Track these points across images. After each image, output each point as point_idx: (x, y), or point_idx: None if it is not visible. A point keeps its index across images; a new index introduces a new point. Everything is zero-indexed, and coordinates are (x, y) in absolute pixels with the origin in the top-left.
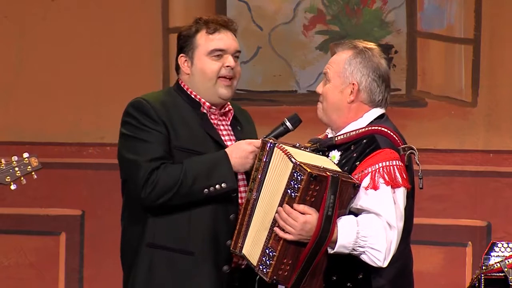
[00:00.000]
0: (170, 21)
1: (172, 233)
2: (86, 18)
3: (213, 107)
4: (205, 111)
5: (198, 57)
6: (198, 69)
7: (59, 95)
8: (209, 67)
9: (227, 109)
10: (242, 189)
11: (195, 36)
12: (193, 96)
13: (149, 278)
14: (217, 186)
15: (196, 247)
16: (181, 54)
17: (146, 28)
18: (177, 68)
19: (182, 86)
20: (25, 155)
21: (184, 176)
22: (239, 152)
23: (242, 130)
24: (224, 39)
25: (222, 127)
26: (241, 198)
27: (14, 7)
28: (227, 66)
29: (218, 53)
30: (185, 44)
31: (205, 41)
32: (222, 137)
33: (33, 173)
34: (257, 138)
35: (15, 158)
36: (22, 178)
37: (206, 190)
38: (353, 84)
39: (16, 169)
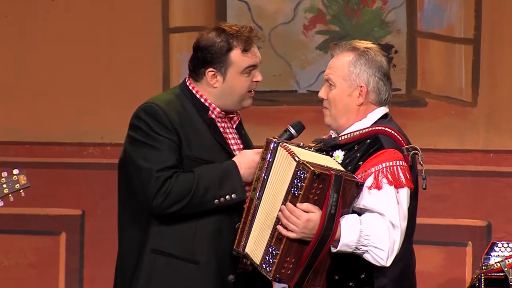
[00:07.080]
0: (170, 21)
1: (177, 240)
2: (86, 18)
3: (222, 113)
4: (213, 116)
5: (232, 74)
6: (229, 86)
7: (59, 95)
8: (242, 84)
9: (234, 113)
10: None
11: (228, 54)
12: (202, 101)
13: (151, 284)
14: (227, 197)
15: (201, 256)
16: (211, 68)
17: (146, 28)
18: (196, 76)
19: (191, 88)
20: (15, 171)
21: (196, 186)
22: (248, 162)
23: (245, 133)
24: (256, 54)
25: (228, 131)
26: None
27: (14, 7)
28: (256, 81)
29: (251, 69)
30: (216, 60)
31: (239, 60)
32: (230, 144)
33: (21, 191)
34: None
35: (4, 174)
36: (10, 196)
37: (216, 200)
38: (361, 86)
39: (4, 186)
